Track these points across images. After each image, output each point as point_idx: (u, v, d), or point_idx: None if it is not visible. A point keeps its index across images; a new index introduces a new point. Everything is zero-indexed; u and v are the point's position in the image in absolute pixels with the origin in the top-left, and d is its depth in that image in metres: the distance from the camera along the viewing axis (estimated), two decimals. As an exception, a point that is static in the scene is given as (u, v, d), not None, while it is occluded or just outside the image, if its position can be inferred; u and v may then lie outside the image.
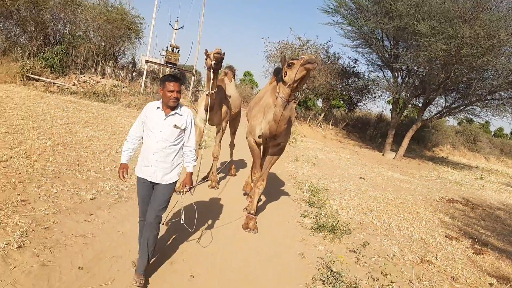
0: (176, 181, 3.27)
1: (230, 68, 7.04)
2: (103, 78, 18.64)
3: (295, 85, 4.17)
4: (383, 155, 20.47)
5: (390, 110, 26.51)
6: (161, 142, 3.13)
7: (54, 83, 17.22)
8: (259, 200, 5.67)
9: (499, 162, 30.92)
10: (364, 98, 27.14)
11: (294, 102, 5.17)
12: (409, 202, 8.69)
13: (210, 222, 4.85)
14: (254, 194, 5.14)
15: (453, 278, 4.32)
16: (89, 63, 19.47)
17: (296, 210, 6.20)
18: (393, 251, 4.81)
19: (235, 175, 7.94)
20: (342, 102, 31.02)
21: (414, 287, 3.76)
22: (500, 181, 18.26)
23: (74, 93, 16.71)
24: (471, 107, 17.37)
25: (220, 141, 6.55)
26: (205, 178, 6.72)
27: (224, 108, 6.27)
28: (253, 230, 4.81)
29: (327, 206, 6.55)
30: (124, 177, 3.16)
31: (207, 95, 5.58)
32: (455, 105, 18.06)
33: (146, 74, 19.58)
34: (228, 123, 6.74)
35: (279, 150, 5.05)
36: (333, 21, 20.34)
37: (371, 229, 5.77)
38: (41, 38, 18.62)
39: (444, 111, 18.49)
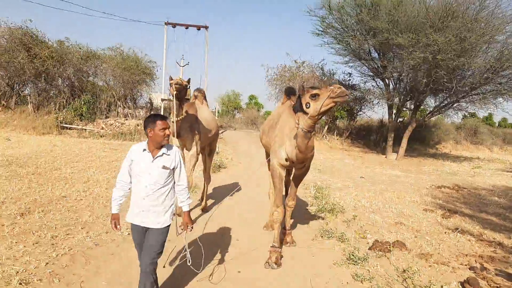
0: (170, 225, 3.22)
1: (199, 90, 7.05)
2: (127, 119, 20.91)
3: (319, 117, 3.99)
4: (385, 157, 22.11)
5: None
6: (150, 185, 3.08)
7: (85, 129, 19.50)
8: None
9: (502, 152, 32.20)
10: (363, 107, 28.94)
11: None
12: (400, 190, 10.38)
13: (217, 257, 4.69)
14: (285, 216, 4.96)
15: (417, 231, 6.08)
16: (112, 108, 21.85)
17: (303, 203, 7.99)
18: (375, 219, 6.58)
19: (205, 208, 6.92)
20: (344, 112, 32.91)
21: (385, 237, 5.53)
22: (497, 167, 19.73)
23: (103, 136, 18.96)
24: (457, 103, 19.15)
25: (193, 168, 6.20)
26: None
27: (195, 132, 6.15)
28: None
29: (328, 198, 8.34)
30: (116, 227, 3.16)
31: (172, 122, 5.67)
32: (444, 104, 19.83)
33: (163, 111, 21.84)
34: (201, 147, 6.48)
35: (306, 170, 4.86)
36: (323, 42, 22.46)
37: (361, 209, 7.54)
38: (69, 90, 21.08)
39: (434, 110, 20.28)
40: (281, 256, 4.60)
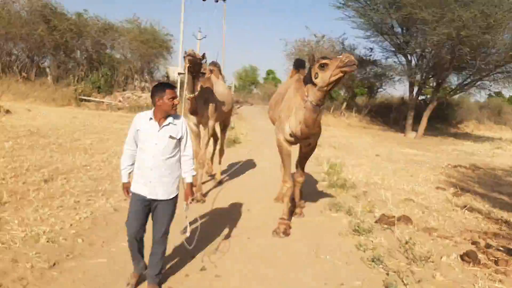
0: (177, 195, 3.17)
1: (215, 64, 6.74)
2: (143, 92, 21.24)
3: (328, 88, 3.90)
4: (404, 135, 21.88)
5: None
6: (157, 155, 2.99)
7: (103, 102, 19.95)
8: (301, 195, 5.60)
9: (527, 132, 31.29)
10: (383, 83, 28.42)
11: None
12: (414, 168, 10.39)
13: (229, 226, 4.72)
14: (294, 190, 5.02)
15: (426, 207, 6.16)
16: (129, 81, 22.20)
17: (315, 178, 8.12)
18: (385, 195, 6.67)
19: (219, 181, 7.06)
20: (364, 89, 32.47)
21: (393, 212, 5.64)
22: (519, 148, 19.27)
23: (120, 109, 19.39)
24: (481, 82, 18.63)
25: (207, 144, 6.18)
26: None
27: (212, 107, 5.97)
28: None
29: (340, 174, 8.45)
30: (128, 194, 3.16)
31: (187, 99, 5.51)
32: (466, 82, 19.32)
33: (180, 85, 22.04)
34: (217, 122, 6.50)
35: (312, 149, 4.87)
36: (345, 15, 21.95)
37: (373, 186, 7.63)
38: (87, 63, 21.48)
39: (457, 88, 19.81)
40: (290, 227, 4.68)
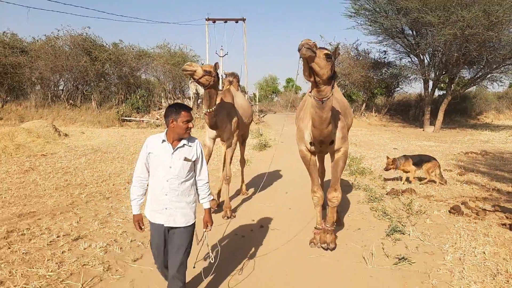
0: (195, 222, 3.00)
1: (234, 75, 6.46)
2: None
3: (311, 79, 3.58)
4: (423, 130, 22.94)
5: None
6: (172, 179, 2.86)
7: (142, 120, 22.06)
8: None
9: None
10: (400, 83, 29.51)
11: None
12: (427, 157, 11.67)
13: (246, 253, 4.31)
14: (328, 209, 4.47)
15: (430, 183, 7.56)
16: (164, 100, 24.35)
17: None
18: (397, 177, 8.10)
19: (247, 193, 7.02)
20: (382, 90, 33.62)
21: (401, 186, 7.08)
22: (536, 135, 20.01)
23: (159, 125, 21.40)
24: (491, 74, 19.68)
25: (231, 159, 5.88)
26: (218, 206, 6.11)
27: (235, 121, 5.68)
28: (330, 244, 4.34)
29: (360, 165, 9.90)
30: (141, 228, 2.98)
31: (205, 114, 5.25)
32: (478, 76, 20.38)
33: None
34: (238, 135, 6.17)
35: (341, 156, 4.36)
36: (356, 23, 23.40)
37: (388, 172, 9.03)
38: (125, 87, 23.75)
39: (469, 82, 20.91)
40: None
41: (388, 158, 7.65)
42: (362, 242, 4.54)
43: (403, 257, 3.94)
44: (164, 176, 2.86)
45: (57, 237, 4.63)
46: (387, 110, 29.44)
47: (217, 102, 5.31)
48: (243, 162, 7.27)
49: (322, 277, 3.73)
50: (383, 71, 27.75)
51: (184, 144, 2.91)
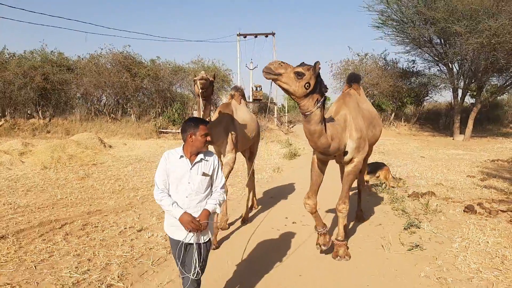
0: (210, 239, 2.99)
1: (237, 88, 6.35)
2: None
3: (289, 96, 3.71)
4: (453, 139, 22.96)
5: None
6: (191, 195, 2.85)
7: (178, 132, 23.35)
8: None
9: None
10: (429, 92, 29.53)
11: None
12: (453, 164, 12.05)
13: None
14: (338, 220, 4.59)
15: (451, 188, 8.08)
16: (196, 113, 25.64)
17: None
18: (420, 182, 8.66)
19: (246, 219, 6.20)
20: (412, 99, 33.64)
21: (422, 189, 7.67)
22: None
23: (193, 137, 22.62)
24: (520, 82, 19.69)
25: (227, 176, 5.31)
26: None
27: (231, 137, 5.37)
28: (344, 257, 4.43)
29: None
30: (200, 223, 2.80)
31: None
32: (508, 83, 20.38)
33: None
34: (240, 151, 5.90)
35: (352, 169, 4.44)
36: (384, 34, 23.89)
37: (412, 178, 9.58)
38: (162, 101, 25.23)
39: (499, 89, 20.92)
40: (328, 241, 4.57)
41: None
42: (382, 234, 5.24)
43: (416, 245, 4.63)
44: (183, 193, 2.85)
45: (124, 228, 5.60)
46: (417, 119, 29.46)
47: (214, 116, 5.36)
48: (250, 184, 6.40)
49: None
50: (412, 80, 27.93)
51: (201, 159, 2.91)
